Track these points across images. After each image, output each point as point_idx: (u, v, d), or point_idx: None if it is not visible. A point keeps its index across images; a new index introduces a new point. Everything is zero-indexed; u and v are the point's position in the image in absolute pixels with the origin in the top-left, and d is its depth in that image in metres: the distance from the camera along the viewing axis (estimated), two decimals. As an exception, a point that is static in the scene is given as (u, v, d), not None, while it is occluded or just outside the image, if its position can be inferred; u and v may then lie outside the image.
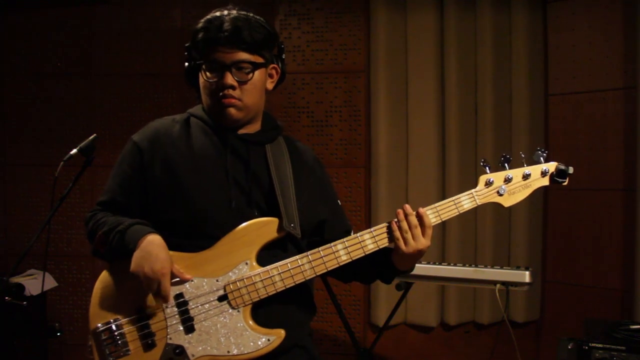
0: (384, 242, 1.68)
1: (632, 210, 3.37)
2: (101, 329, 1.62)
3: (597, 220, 3.56)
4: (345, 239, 1.67)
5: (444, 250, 3.85)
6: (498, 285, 2.90)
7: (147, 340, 1.61)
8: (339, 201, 1.91)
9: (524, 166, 1.78)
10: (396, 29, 3.91)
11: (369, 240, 1.67)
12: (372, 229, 1.68)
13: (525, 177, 1.76)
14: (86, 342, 1.67)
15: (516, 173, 1.77)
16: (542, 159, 1.78)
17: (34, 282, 3.54)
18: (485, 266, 3.03)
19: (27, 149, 4.24)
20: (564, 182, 1.77)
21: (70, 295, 4.23)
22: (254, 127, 1.78)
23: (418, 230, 1.65)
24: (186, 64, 1.76)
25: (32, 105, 4.24)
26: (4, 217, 4.26)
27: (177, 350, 1.60)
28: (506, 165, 1.76)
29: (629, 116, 3.43)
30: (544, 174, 1.77)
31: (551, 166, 1.77)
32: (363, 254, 1.67)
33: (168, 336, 1.61)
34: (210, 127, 1.75)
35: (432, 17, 3.85)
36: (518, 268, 2.96)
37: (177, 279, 1.62)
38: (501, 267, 2.98)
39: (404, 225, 1.64)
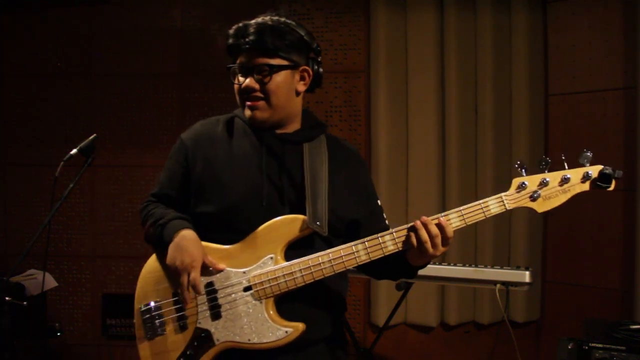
0: (404, 244, 1.67)
1: (632, 210, 3.37)
2: (143, 309, 1.78)
3: (597, 220, 3.56)
4: (366, 239, 1.68)
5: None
6: (498, 285, 2.91)
7: (180, 323, 1.75)
8: (379, 201, 1.91)
9: (565, 169, 1.64)
10: (396, 29, 3.91)
11: (390, 242, 1.67)
12: (393, 230, 1.67)
13: (564, 181, 1.62)
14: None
15: (554, 176, 1.63)
16: (586, 161, 1.63)
17: (34, 282, 3.53)
18: (485, 266, 3.03)
19: (27, 149, 4.24)
20: (609, 187, 1.60)
21: (70, 295, 4.23)
22: (293, 127, 1.84)
23: (438, 240, 1.63)
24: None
25: (32, 105, 4.24)
26: (4, 217, 4.26)
27: (204, 334, 1.72)
28: (545, 169, 1.63)
29: (629, 116, 3.43)
30: (585, 178, 1.62)
31: (595, 170, 1.62)
32: (382, 255, 1.68)
33: (198, 320, 1.73)
34: (250, 127, 1.82)
35: (432, 17, 3.85)
36: (518, 268, 2.96)
37: (211, 269, 1.73)
38: (501, 267, 2.98)
39: (423, 235, 1.63)
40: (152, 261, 1.84)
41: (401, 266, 1.77)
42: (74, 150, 2.42)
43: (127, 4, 4.17)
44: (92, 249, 4.22)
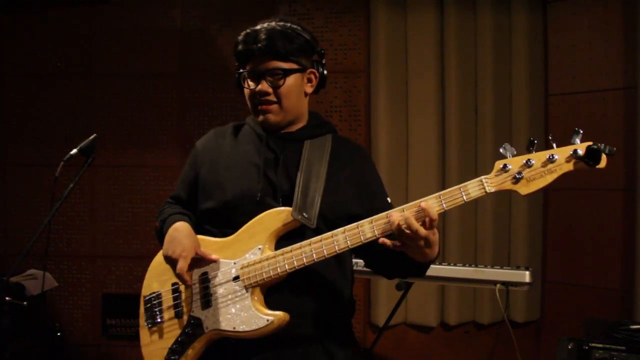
0: (382, 231, 1.64)
1: (632, 210, 3.37)
2: (146, 298, 1.91)
3: (597, 220, 3.56)
4: (346, 227, 1.68)
5: (444, 250, 3.85)
6: (498, 285, 2.90)
7: (176, 311, 1.84)
8: (388, 199, 1.90)
9: (553, 149, 1.55)
10: (396, 29, 3.91)
11: (368, 228, 1.66)
12: (372, 218, 1.66)
13: (550, 160, 1.53)
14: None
15: (539, 156, 1.55)
16: (577, 140, 1.52)
17: (34, 282, 3.54)
18: (485, 266, 3.03)
19: (27, 149, 4.24)
20: (599, 164, 1.48)
21: (70, 295, 4.23)
22: (297, 127, 1.89)
23: (415, 226, 1.56)
24: (236, 75, 1.89)
25: (32, 105, 4.24)
26: (4, 217, 4.26)
27: (194, 322, 1.80)
28: (532, 150, 1.57)
29: (629, 116, 3.43)
30: (573, 156, 1.51)
31: (582, 146, 1.50)
32: (361, 242, 1.67)
33: (192, 309, 1.81)
34: (254, 130, 1.90)
35: (432, 17, 3.85)
36: (518, 268, 2.96)
37: (205, 259, 1.81)
38: (501, 267, 2.97)
39: (397, 219, 1.58)
40: (159, 255, 1.92)
41: (404, 261, 1.73)
42: (74, 150, 2.42)
43: (127, 4, 4.17)
44: (92, 249, 4.22)
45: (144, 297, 1.91)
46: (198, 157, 1.93)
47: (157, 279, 1.90)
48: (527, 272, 2.88)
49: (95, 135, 2.50)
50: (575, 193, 3.59)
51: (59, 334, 3.96)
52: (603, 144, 1.48)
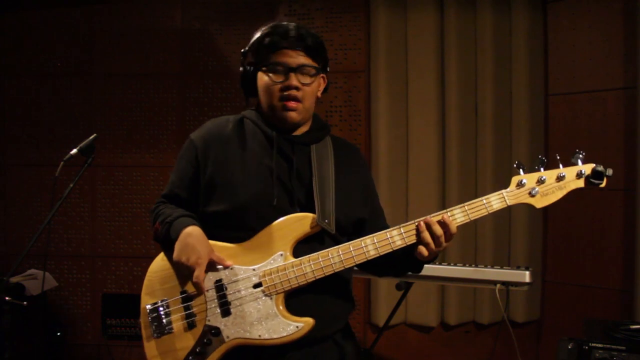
0: (412, 240, 1.72)
1: (632, 210, 3.37)
2: (150, 308, 1.78)
3: (597, 220, 3.56)
4: (374, 235, 1.72)
5: (444, 249, 3.84)
6: (498, 285, 2.90)
7: (189, 321, 1.75)
8: (379, 202, 1.97)
9: (559, 168, 1.76)
10: (396, 29, 3.91)
11: (397, 237, 1.72)
12: (401, 226, 1.72)
13: (560, 178, 1.75)
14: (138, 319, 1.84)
15: (550, 174, 1.75)
16: (580, 161, 1.76)
17: (34, 282, 3.54)
18: (485, 266, 3.03)
19: (27, 149, 4.24)
20: (601, 183, 1.73)
21: (70, 295, 4.23)
22: (303, 129, 1.88)
23: (442, 239, 1.71)
24: (241, 68, 1.84)
25: (32, 105, 4.25)
26: (4, 217, 4.26)
27: (213, 332, 1.73)
28: (541, 168, 1.75)
29: (629, 116, 3.43)
30: (579, 175, 1.75)
31: (587, 167, 1.75)
32: (390, 250, 1.72)
33: (207, 318, 1.74)
34: (260, 129, 1.85)
35: (432, 17, 3.85)
36: (518, 268, 2.96)
37: (219, 266, 1.75)
38: (501, 267, 2.97)
39: (426, 237, 1.69)
40: (159, 260, 1.83)
41: (409, 262, 1.81)
42: (74, 150, 2.43)
43: (127, 4, 4.17)
44: (92, 249, 4.22)
45: (147, 306, 1.78)
46: (198, 153, 1.82)
47: (161, 286, 1.78)
48: (527, 272, 2.88)
49: (95, 135, 2.51)
50: (574, 193, 3.59)
51: (59, 334, 3.95)
52: (602, 166, 1.72)
